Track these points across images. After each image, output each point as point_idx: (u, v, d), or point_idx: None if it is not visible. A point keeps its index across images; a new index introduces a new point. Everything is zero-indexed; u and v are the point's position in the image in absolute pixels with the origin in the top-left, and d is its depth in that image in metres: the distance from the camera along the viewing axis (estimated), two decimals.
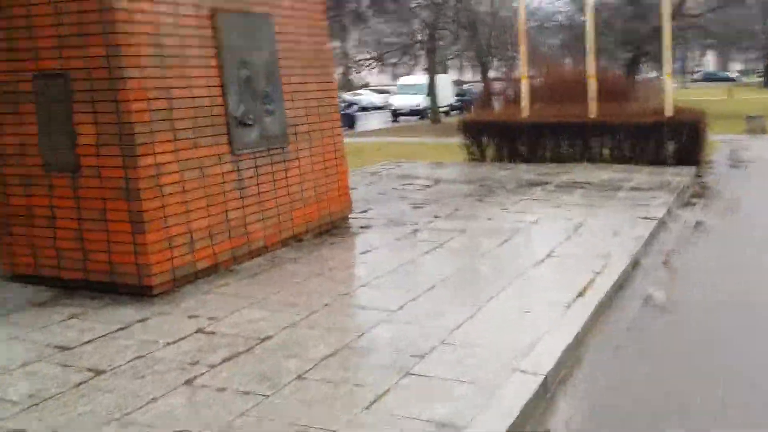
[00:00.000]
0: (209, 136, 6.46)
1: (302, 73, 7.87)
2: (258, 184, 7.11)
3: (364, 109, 43.62)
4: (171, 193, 6.01)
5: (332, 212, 8.33)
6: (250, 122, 6.96)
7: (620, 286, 6.20)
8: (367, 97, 46.90)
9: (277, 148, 7.40)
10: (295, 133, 7.72)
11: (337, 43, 32.29)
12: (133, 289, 5.79)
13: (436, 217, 8.84)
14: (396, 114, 35.56)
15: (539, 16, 32.79)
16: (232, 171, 6.76)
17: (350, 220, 8.65)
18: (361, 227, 8.42)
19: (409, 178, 12.12)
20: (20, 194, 6.14)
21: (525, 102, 14.41)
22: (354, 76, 53.39)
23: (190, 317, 5.28)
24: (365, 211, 9.24)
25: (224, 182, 6.65)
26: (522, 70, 15.00)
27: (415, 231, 8.12)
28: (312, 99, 8.03)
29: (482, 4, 33.64)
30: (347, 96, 44.92)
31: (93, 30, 5.72)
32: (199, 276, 6.24)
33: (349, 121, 31.45)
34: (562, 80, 16.05)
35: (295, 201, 7.68)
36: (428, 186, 11.23)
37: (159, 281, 5.80)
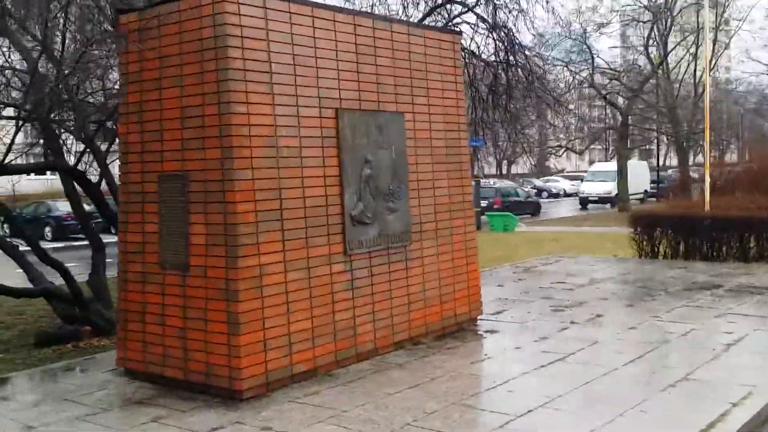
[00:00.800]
0: (322, 236, 6.46)
1: (433, 169, 7.74)
2: (372, 284, 6.99)
3: (554, 195, 42.82)
4: (272, 294, 6.03)
5: (458, 314, 8.00)
6: (368, 221, 6.91)
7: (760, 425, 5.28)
8: (558, 183, 46.14)
9: (398, 247, 7.26)
10: (420, 231, 7.55)
11: (531, 130, 32.12)
12: (225, 392, 5.81)
13: (572, 323, 8.19)
14: (585, 201, 34.46)
15: (755, 96, 30.77)
16: (343, 271, 6.70)
17: (479, 322, 8.26)
18: (487, 331, 7.98)
19: (563, 276, 11.44)
20: (137, 290, 6.45)
21: (707, 192, 13.29)
22: (552, 162, 53.10)
23: (262, 429, 5.17)
24: (499, 313, 8.79)
25: (334, 282, 6.59)
26: (705, 157, 13.91)
27: (543, 338, 7.55)
28: (442, 195, 7.86)
29: (683, 88, 32.07)
30: (538, 182, 44.43)
31: (211, 132, 5.94)
32: (296, 379, 6.16)
33: (534, 209, 30.91)
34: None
35: (415, 302, 7.46)
36: (580, 285, 10.52)
37: (249, 385, 5.78)
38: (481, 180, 29.34)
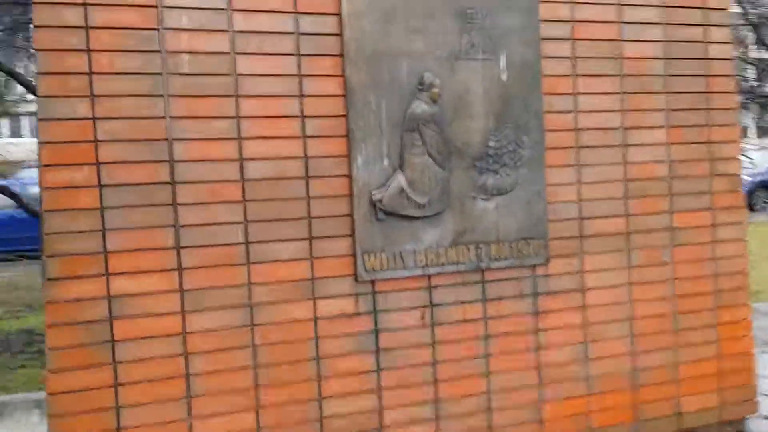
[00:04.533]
0: (289, 239, 3.11)
1: (622, 106, 3.70)
2: (435, 344, 3.35)
3: None
4: (144, 360, 2.89)
5: (686, 411, 3.80)
6: (418, 211, 3.29)
7: None
8: None
9: (509, 268, 3.47)
10: (579, 236, 3.61)
11: None
12: None
13: None
14: None
15: None
16: (352, 315, 3.21)
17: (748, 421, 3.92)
18: None
19: None
20: None
21: None
22: None
23: None
24: None
25: (324, 337, 3.16)
26: None
27: None
28: (647, 162, 3.75)
29: None
30: None
31: None
32: None
33: None
34: None
35: (562, 381, 3.56)
36: None
37: None
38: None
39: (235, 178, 3.01)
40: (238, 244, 3.02)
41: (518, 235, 3.47)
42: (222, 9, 2.99)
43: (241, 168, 3.02)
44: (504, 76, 3.41)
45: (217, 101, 2.98)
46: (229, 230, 3.00)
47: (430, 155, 3.29)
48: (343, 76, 3.16)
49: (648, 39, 3.72)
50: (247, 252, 3.03)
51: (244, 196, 3.02)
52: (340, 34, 3.15)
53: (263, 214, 3.05)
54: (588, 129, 3.61)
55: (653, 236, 3.76)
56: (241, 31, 3.02)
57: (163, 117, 2.92)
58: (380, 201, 3.21)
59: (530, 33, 3.46)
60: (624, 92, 3.68)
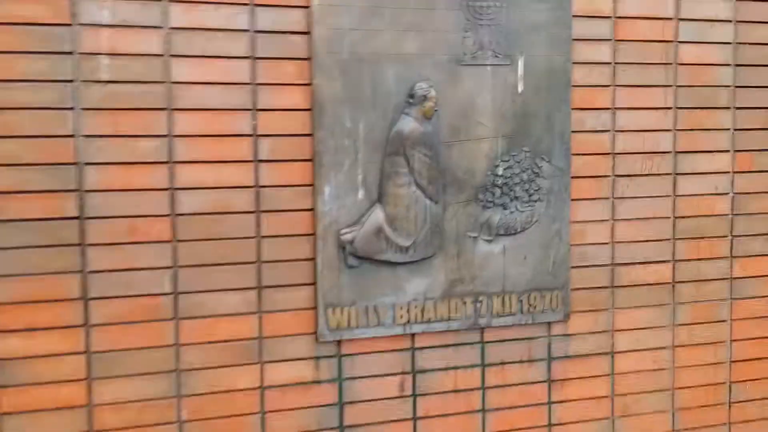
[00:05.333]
0: (215, 289, 2.50)
1: (687, 124, 2.94)
2: (417, 419, 2.71)
3: None
4: None
5: None
6: (398, 255, 2.64)
7: None
8: None
9: (517, 325, 2.80)
10: (611, 286, 2.90)
11: None
12: None
13: None
14: None
15: None
16: (312, 383, 2.59)
17: None
18: None
19: None
20: None
21: None
22: None
23: None
24: None
25: (277, 411, 2.56)
26: None
27: None
28: (709, 195, 3.00)
29: None
30: None
31: None
32: None
33: None
34: None
35: None
36: None
37: None
38: None
39: (163, 213, 2.40)
40: (164, 294, 2.42)
41: (530, 285, 2.77)
42: (156, 0, 2.34)
43: (172, 200, 2.40)
44: (521, 87, 2.68)
45: (144, 116, 2.36)
46: (152, 277, 2.40)
47: (418, 185, 2.60)
48: (309, 85, 2.49)
49: (712, 40, 2.92)
50: (176, 305, 2.43)
51: (174, 234, 2.41)
52: (308, 33, 2.48)
53: (199, 257, 2.43)
54: (629, 153, 2.86)
55: (707, 287, 3.00)
56: (179, 28, 2.37)
57: (72, 135, 2.31)
58: (351, 243, 2.55)
59: (559, 31, 2.71)
60: (678, 107, 2.90)
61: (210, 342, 2.48)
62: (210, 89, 2.41)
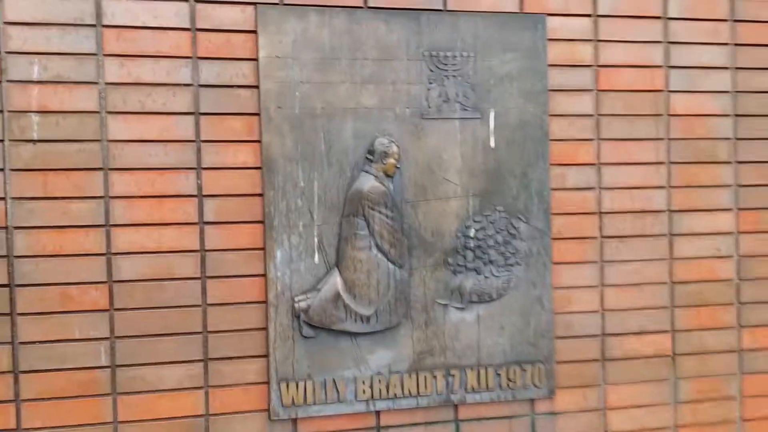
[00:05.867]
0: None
1: (682, 180, 2.70)
2: None
3: None
4: None
5: None
6: (355, 325, 2.42)
7: None
8: None
9: (496, 403, 2.54)
10: (602, 359, 2.62)
11: None
12: None
13: None
14: None
15: None
16: None
17: None
18: None
19: None
20: None
21: None
22: None
23: None
24: None
25: None
26: None
27: None
28: (710, 258, 2.73)
29: None
30: None
31: None
32: None
33: None
34: None
35: None
36: None
37: None
38: None
39: (99, 279, 2.23)
40: (100, 367, 2.24)
41: (509, 357, 2.52)
42: (90, 54, 2.23)
43: (109, 265, 2.23)
44: (492, 141, 2.48)
45: (77, 176, 2.22)
46: (88, 349, 2.22)
47: (380, 249, 2.40)
48: (259, 141, 2.33)
49: (708, 89, 2.69)
50: (114, 379, 2.24)
51: (111, 303, 2.23)
52: (256, 87, 2.33)
53: (138, 327, 2.25)
54: (617, 212, 2.62)
55: (713, 360, 2.70)
56: (116, 83, 2.25)
57: (2, 198, 2.17)
58: (306, 311, 2.34)
59: (533, 82, 2.52)
60: (672, 162, 2.66)
61: (152, 419, 2.28)
62: (150, 147, 2.26)
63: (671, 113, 2.67)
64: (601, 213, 2.61)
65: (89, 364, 2.23)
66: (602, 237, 2.61)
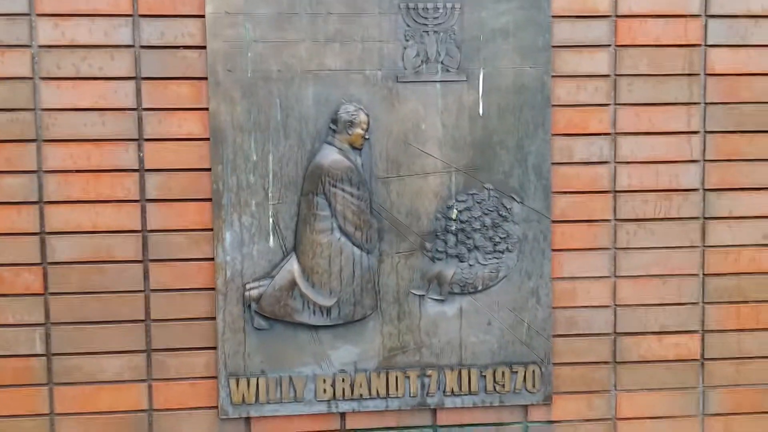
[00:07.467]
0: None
1: (720, 153, 2.26)
2: None
3: None
4: None
5: None
6: (321, 316, 2.16)
7: None
8: None
9: (481, 408, 2.23)
10: (613, 362, 2.26)
11: None
12: None
13: None
14: None
15: None
16: None
17: None
18: None
19: None
20: None
21: None
22: None
23: None
24: None
25: None
26: None
27: None
28: (752, 246, 2.28)
29: None
30: None
31: None
32: None
33: None
34: None
35: None
36: None
37: None
38: None
39: (32, 261, 2.06)
40: (35, 355, 2.07)
41: (497, 357, 2.19)
42: (22, 15, 2.01)
43: (43, 246, 2.05)
44: (481, 108, 2.12)
45: (8, 148, 2.03)
46: (21, 336, 2.07)
47: (343, 232, 2.10)
48: (206, 109, 2.07)
49: (756, 42, 2.21)
50: (49, 368, 2.08)
51: (46, 286, 2.06)
52: (203, 47, 2.06)
53: (75, 313, 2.07)
54: (636, 191, 2.21)
55: (751, 367, 2.28)
56: (49, 46, 2.03)
57: None
58: (257, 300, 2.09)
59: (533, 37, 2.12)
60: (708, 131, 2.21)
61: (90, 413, 2.11)
62: (86, 116, 2.04)
63: (709, 72, 2.21)
64: (615, 192, 2.21)
65: (23, 352, 2.07)
66: (616, 220, 2.21)
